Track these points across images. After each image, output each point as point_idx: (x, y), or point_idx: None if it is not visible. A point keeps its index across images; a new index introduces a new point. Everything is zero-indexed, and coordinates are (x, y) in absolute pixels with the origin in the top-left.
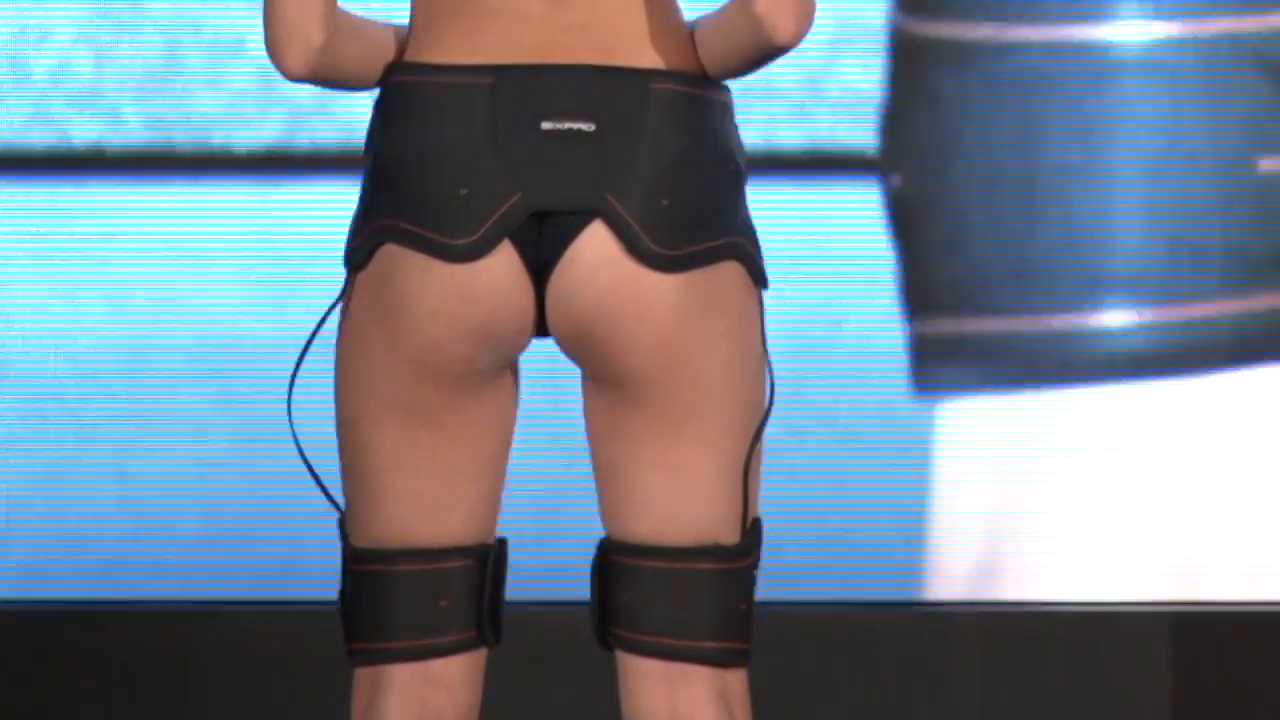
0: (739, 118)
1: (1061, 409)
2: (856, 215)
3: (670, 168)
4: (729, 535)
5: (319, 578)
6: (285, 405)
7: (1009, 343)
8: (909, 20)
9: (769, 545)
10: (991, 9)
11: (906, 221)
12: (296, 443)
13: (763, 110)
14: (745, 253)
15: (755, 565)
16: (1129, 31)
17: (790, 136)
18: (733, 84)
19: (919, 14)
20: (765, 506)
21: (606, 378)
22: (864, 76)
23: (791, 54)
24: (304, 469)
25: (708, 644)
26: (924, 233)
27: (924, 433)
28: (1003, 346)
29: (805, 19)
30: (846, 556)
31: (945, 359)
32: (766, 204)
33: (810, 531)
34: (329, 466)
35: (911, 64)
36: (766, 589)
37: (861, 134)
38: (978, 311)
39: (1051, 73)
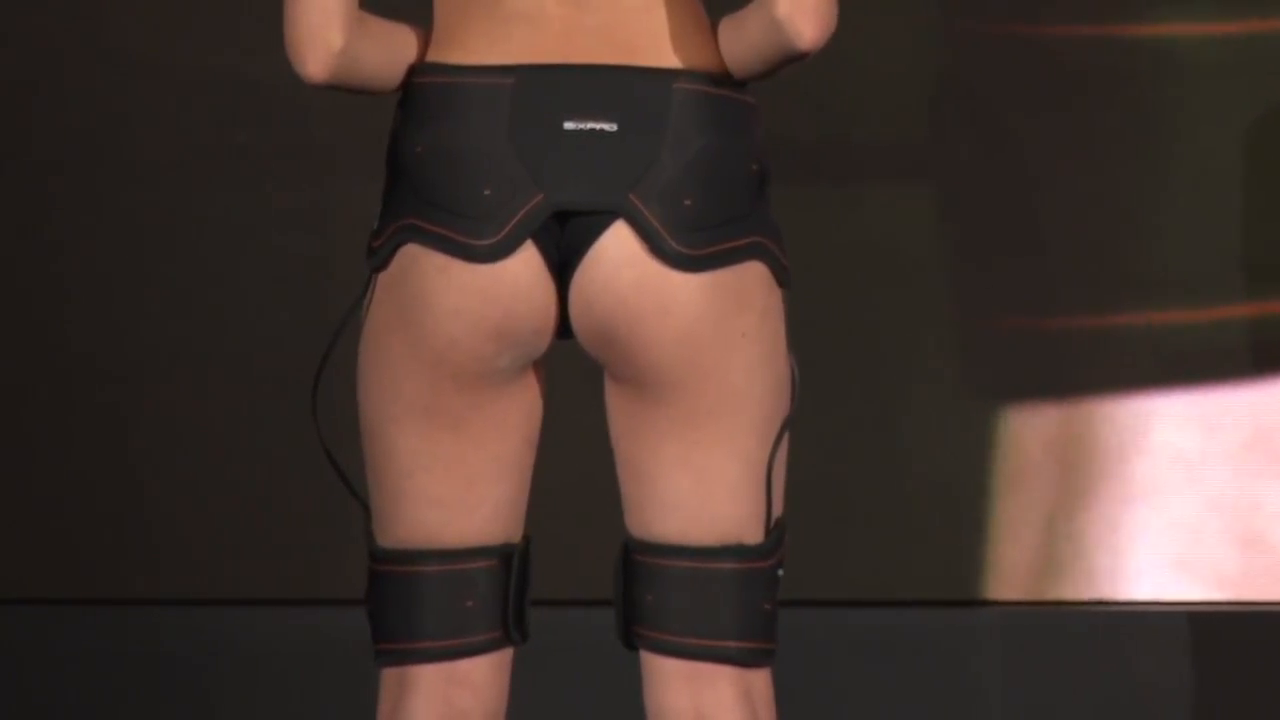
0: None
1: (1120, 408)
2: (914, 213)
3: (692, 167)
4: (752, 535)
5: (347, 577)
6: (310, 404)
7: (1068, 341)
8: (965, 15)
9: (828, 545)
10: (1048, 4)
11: (964, 219)
12: (323, 443)
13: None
14: (768, 252)
15: (779, 565)
16: (1190, 29)
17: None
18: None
19: (975, 8)
20: (824, 506)
21: (629, 377)
22: (917, 71)
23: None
24: (332, 468)
25: (731, 644)
26: (983, 230)
27: (983, 433)
28: (1063, 344)
29: (826, 24)
30: (904, 556)
31: (1003, 357)
32: (832, 200)
33: (870, 530)
34: (354, 467)
35: (968, 59)
36: (825, 589)
37: (915, 129)
38: (1037, 310)
39: (1112, 69)
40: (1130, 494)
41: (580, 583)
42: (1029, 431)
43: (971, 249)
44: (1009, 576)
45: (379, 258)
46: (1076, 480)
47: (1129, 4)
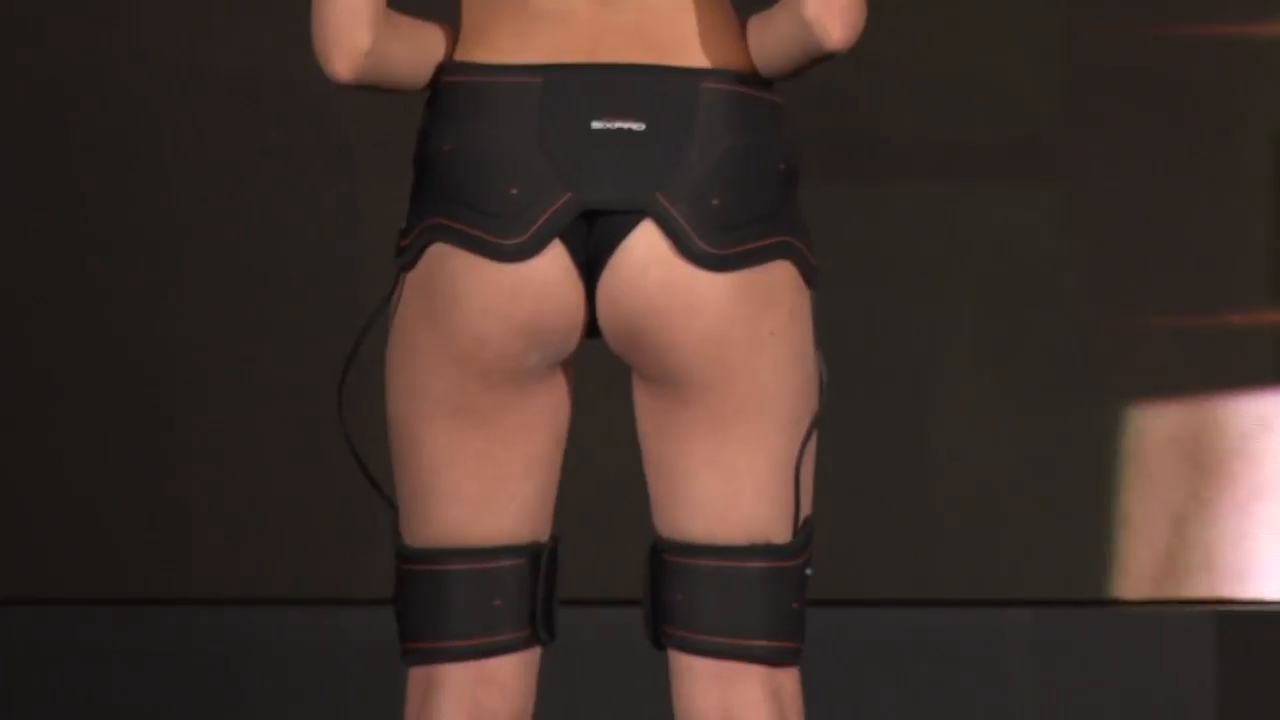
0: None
1: (1242, 406)
2: (1039, 211)
3: (720, 167)
4: (781, 534)
5: (375, 576)
6: (336, 403)
7: (1193, 339)
8: (1084, 18)
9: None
10: (1165, 6)
11: (1088, 218)
12: (349, 442)
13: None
14: (796, 251)
15: (807, 564)
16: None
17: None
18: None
19: (1092, 12)
20: (944, 503)
21: (657, 376)
22: (1036, 74)
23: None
24: (359, 467)
25: (760, 643)
26: (1105, 230)
27: (1108, 432)
28: (1188, 342)
29: (855, 25)
30: (1026, 554)
31: (1127, 355)
32: (958, 201)
33: (995, 529)
34: (381, 467)
35: (1087, 62)
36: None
37: (1036, 131)
38: (1160, 309)
39: (1234, 68)
40: (1256, 492)
41: (608, 582)
42: (1154, 430)
43: (1102, 250)
44: (1135, 575)
45: (407, 257)
46: (1201, 479)
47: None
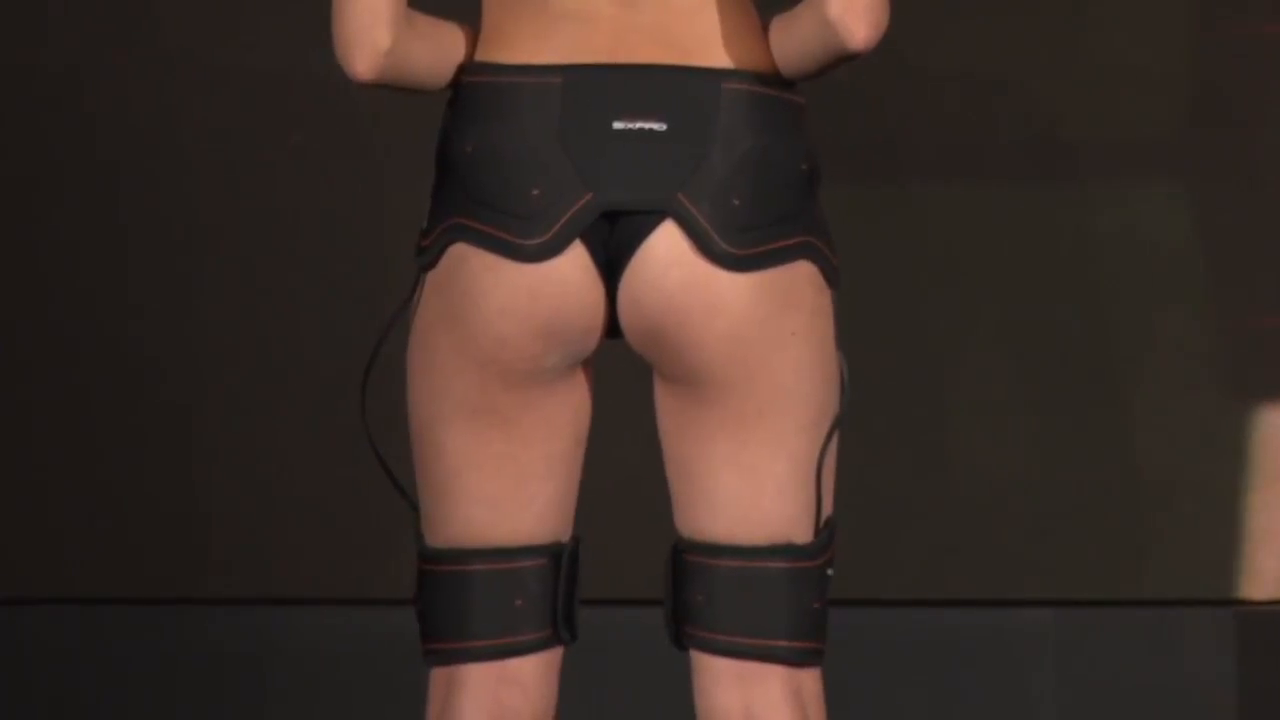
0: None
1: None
2: (1168, 213)
3: (742, 167)
4: (802, 534)
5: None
6: (359, 403)
7: (1212, 341)
8: (1219, 17)
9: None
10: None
11: (1213, 218)
12: (371, 442)
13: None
14: (817, 252)
15: (829, 564)
16: None
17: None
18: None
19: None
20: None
21: (678, 377)
22: (1055, 73)
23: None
24: (381, 467)
25: (781, 643)
26: (1233, 229)
27: (1240, 432)
28: (1208, 343)
29: (879, 25)
30: (1046, 554)
31: (1260, 355)
32: (978, 201)
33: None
34: (403, 467)
35: (1220, 61)
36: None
37: (1167, 129)
38: (1185, 310)
39: None
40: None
41: (629, 582)
42: (1176, 427)
43: (1225, 245)
44: (1260, 577)
45: (428, 257)
46: (1223, 477)
47: None
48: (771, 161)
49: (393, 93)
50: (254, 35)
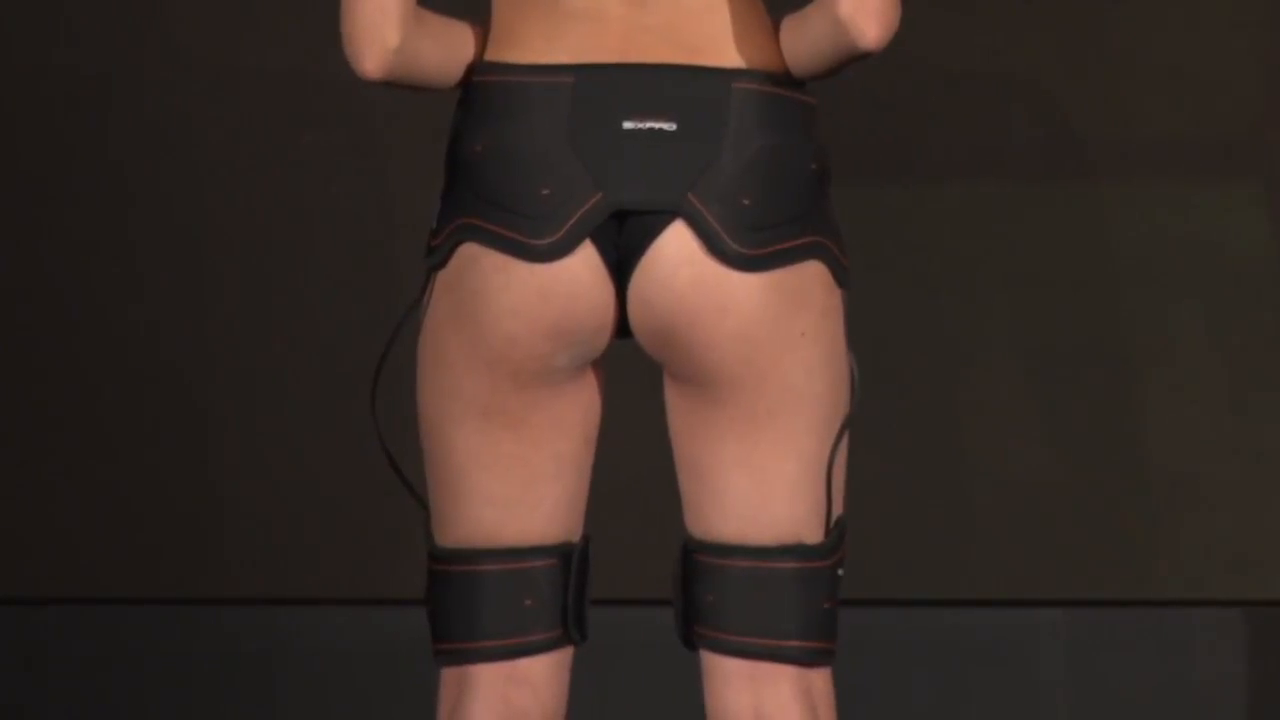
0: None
1: None
2: (1184, 213)
3: (752, 167)
4: (812, 535)
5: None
6: (369, 403)
7: (1224, 341)
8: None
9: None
10: None
11: (1229, 217)
12: (382, 442)
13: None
14: (828, 252)
15: (839, 564)
16: None
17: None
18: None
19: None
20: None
21: (688, 377)
22: (1068, 73)
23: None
24: (391, 467)
25: (792, 643)
26: (1247, 229)
27: (1251, 432)
28: (1220, 343)
29: (890, 24)
30: (1059, 553)
31: (1272, 356)
32: (992, 201)
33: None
34: (413, 467)
35: (1123, 61)
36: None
37: (1180, 129)
38: (1189, 306)
39: None
40: None
41: (640, 582)
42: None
43: (1244, 247)
44: (1272, 578)
45: (438, 256)
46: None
47: None
48: (782, 161)
49: (402, 91)
50: (266, 36)
